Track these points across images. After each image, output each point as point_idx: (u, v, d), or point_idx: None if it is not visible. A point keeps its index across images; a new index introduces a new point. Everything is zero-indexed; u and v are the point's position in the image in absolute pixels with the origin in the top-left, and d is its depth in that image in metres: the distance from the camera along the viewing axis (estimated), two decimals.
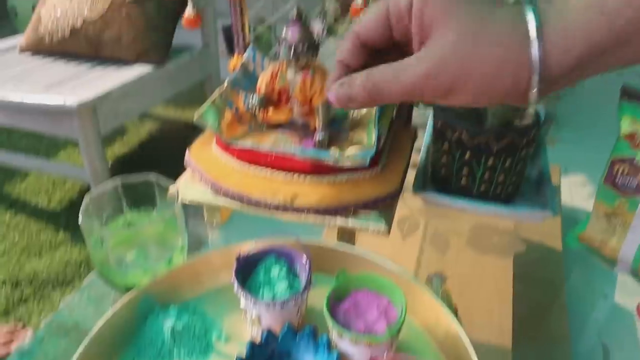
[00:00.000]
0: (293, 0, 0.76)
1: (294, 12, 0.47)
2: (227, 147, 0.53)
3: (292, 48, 0.47)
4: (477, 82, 0.29)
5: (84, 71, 1.55)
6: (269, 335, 0.40)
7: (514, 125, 0.53)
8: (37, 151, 2.04)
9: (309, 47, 0.47)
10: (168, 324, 0.43)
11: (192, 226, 0.62)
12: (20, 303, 1.36)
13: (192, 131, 0.58)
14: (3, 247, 1.54)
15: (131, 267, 0.46)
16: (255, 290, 0.42)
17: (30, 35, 1.62)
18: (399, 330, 0.39)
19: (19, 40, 1.69)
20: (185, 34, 1.59)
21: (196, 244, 0.61)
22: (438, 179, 0.57)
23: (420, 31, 0.31)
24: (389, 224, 0.48)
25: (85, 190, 1.76)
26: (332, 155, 0.49)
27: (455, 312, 0.50)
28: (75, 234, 1.60)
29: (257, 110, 0.53)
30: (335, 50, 0.58)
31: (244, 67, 0.60)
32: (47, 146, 2.06)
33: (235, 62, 0.62)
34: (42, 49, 1.62)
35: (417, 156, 0.60)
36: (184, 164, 0.56)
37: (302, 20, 0.47)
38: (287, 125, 0.55)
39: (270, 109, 0.53)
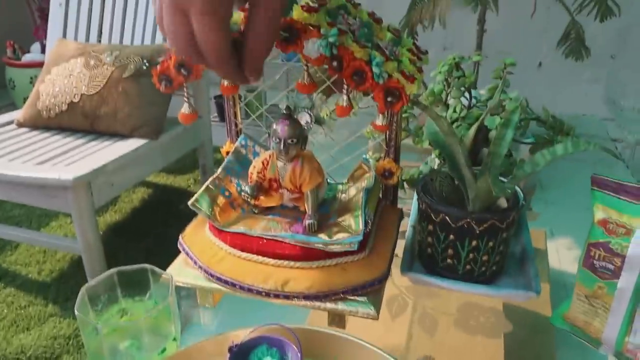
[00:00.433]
0: (282, 70, 0.80)
1: (284, 109, 0.50)
2: (219, 232, 0.55)
3: (282, 142, 0.49)
4: None
5: (79, 145, 1.58)
6: None
7: (495, 208, 0.56)
8: (29, 220, 2.04)
9: (298, 140, 0.50)
10: None
11: (185, 307, 0.63)
12: None
13: (184, 198, 0.60)
14: None
15: (125, 357, 0.47)
16: None
17: (28, 111, 1.67)
18: None
19: (17, 115, 1.73)
20: (178, 104, 1.64)
21: (188, 326, 0.61)
22: (424, 257, 0.59)
23: None
24: (378, 308, 0.50)
25: (76, 260, 1.76)
26: (321, 240, 0.51)
27: None
28: (64, 306, 1.58)
29: (249, 199, 0.55)
30: (324, 138, 0.61)
31: (237, 152, 0.63)
32: (39, 216, 2.06)
33: (228, 148, 0.65)
34: (39, 123, 1.66)
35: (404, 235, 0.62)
36: (177, 246, 0.58)
37: (291, 117, 0.50)
38: (278, 209, 0.57)
39: (262, 196, 0.56)
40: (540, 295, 0.51)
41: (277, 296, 0.50)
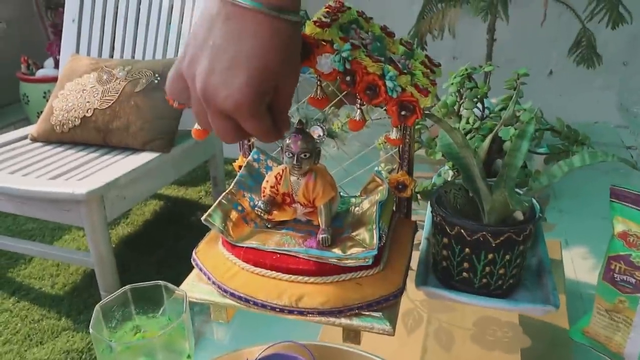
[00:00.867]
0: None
1: (297, 123, 0.50)
2: (233, 247, 0.55)
3: (296, 156, 0.49)
4: None
5: (92, 160, 1.59)
6: None
7: (511, 220, 0.55)
8: (43, 233, 2.05)
9: (311, 154, 0.50)
10: None
11: (198, 322, 0.62)
12: None
13: (195, 210, 0.60)
14: (5, 336, 1.52)
15: None
16: None
17: (42, 126, 1.68)
18: None
19: (31, 129, 1.75)
20: (189, 117, 1.65)
21: (201, 340, 0.61)
22: (439, 270, 0.58)
23: None
24: (394, 323, 0.49)
25: (90, 273, 1.76)
26: (335, 255, 0.51)
27: None
28: (77, 319, 1.58)
29: (262, 213, 0.55)
30: (336, 151, 0.61)
31: (249, 166, 0.62)
32: (52, 229, 2.08)
33: (240, 162, 0.65)
34: (53, 138, 1.68)
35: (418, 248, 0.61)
36: (189, 258, 0.58)
37: (304, 131, 0.50)
38: (291, 223, 0.57)
39: (275, 211, 0.55)
40: (558, 313, 0.50)
41: (291, 312, 0.50)
